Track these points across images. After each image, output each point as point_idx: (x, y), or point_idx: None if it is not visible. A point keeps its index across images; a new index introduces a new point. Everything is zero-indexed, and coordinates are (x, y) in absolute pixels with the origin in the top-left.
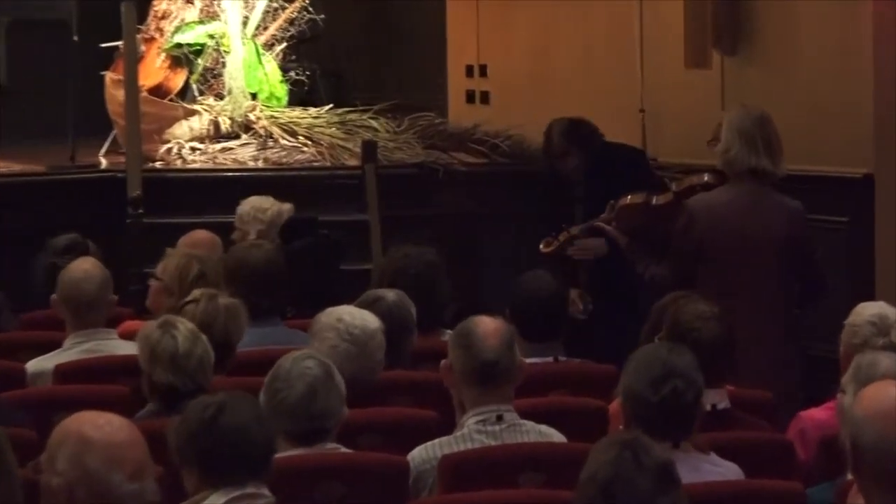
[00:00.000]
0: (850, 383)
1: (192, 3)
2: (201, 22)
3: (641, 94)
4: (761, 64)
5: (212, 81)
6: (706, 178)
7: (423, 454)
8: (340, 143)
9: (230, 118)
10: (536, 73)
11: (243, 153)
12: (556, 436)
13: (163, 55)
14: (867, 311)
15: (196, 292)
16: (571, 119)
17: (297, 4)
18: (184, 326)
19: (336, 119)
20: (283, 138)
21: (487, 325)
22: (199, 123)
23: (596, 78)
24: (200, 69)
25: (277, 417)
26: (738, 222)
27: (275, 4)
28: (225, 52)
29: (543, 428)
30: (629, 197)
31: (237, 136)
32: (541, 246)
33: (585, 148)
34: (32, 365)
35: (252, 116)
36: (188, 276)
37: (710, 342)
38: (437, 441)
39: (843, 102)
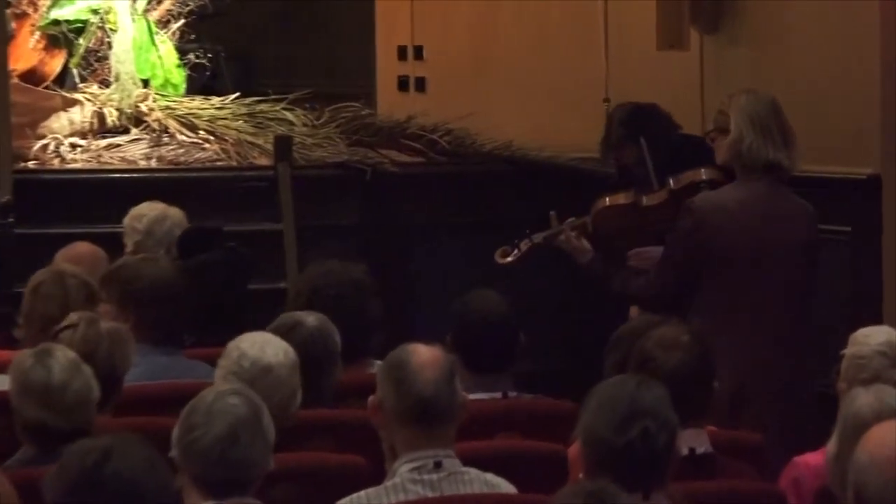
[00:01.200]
0: (837, 426)
1: None
2: None
3: (606, 80)
4: (748, 44)
5: (95, 66)
6: (705, 175)
7: None
8: (249, 138)
9: (117, 109)
10: (482, 55)
11: (133, 151)
12: (505, 486)
13: (37, 34)
14: (874, 338)
15: (73, 316)
16: (638, 105)
17: None
18: (63, 355)
19: (243, 110)
20: (181, 133)
21: (424, 355)
22: (80, 115)
23: (552, 61)
24: (82, 51)
25: (188, 460)
26: (756, 225)
27: None
28: (111, 30)
29: (490, 477)
30: (608, 198)
31: (126, 131)
32: (496, 255)
33: (652, 139)
34: None
35: (143, 107)
36: (63, 298)
37: (673, 374)
38: (364, 492)
39: (845, 89)
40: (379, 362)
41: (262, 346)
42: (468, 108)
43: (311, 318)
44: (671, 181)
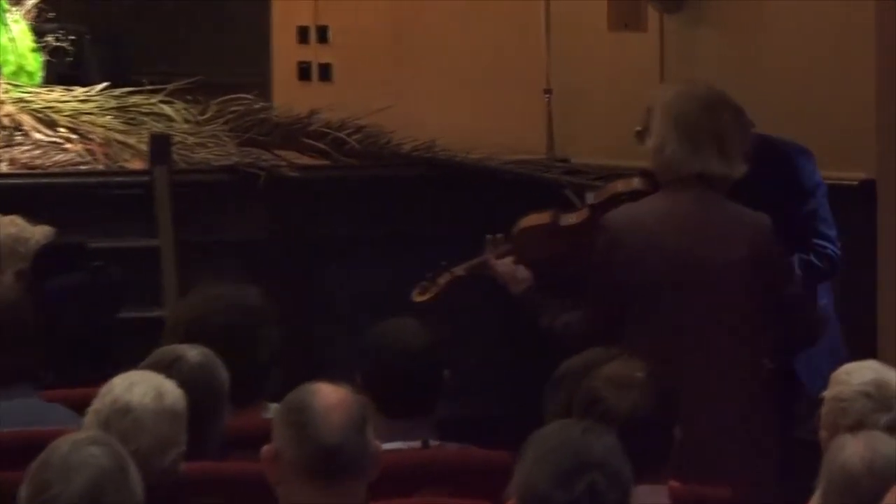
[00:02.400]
0: (821, 480)
1: None
2: None
3: (547, 68)
4: (717, 25)
5: None
6: (636, 184)
7: None
8: (119, 137)
9: None
10: (398, 37)
11: None
12: None
13: None
14: (856, 376)
15: None
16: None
17: None
18: None
19: (113, 104)
20: (37, 131)
21: (329, 397)
22: None
23: (483, 45)
24: None
25: None
26: (678, 243)
27: None
28: None
29: None
30: (529, 217)
31: None
32: (413, 294)
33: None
34: None
35: None
36: None
37: (626, 418)
38: None
39: (834, 78)
40: (275, 405)
41: (131, 384)
42: (382, 100)
43: (193, 353)
44: (590, 195)
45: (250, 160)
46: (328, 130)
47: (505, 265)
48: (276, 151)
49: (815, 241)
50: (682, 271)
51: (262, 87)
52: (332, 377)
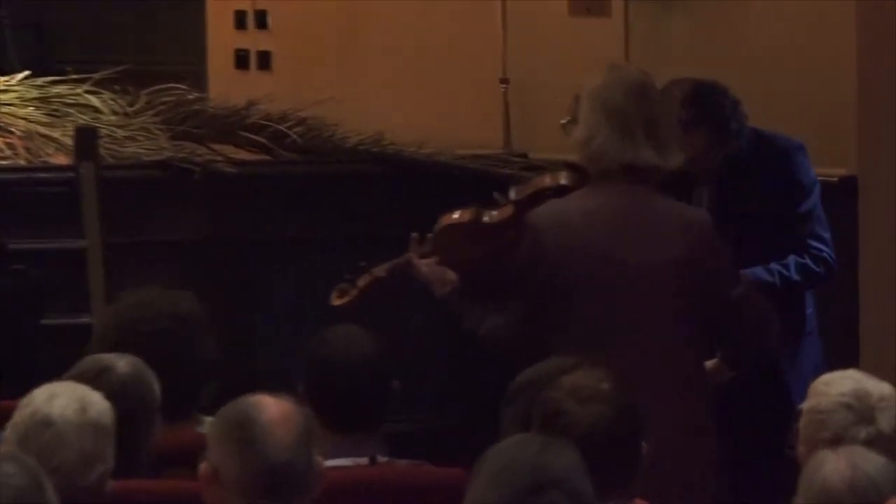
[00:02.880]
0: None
1: None
2: None
3: (504, 55)
4: (689, 11)
5: None
6: (562, 179)
7: None
8: (41, 130)
9: None
10: (344, 23)
11: None
12: None
13: None
14: (835, 387)
15: None
16: (698, 83)
17: None
18: None
19: (34, 94)
20: None
21: (274, 410)
22: None
23: (436, 30)
24: None
25: None
26: (606, 242)
27: None
28: None
29: None
30: (453, 215)
31: None
32: (333, 297)
33: (718, 132)
34: None
35: None
36: None
37: (589, 432)
38: None
39: (815, 68)
40: (211, 419)
41: (52, 395)
42: (326, 91)
43: (121, 363)
44: (512, 190)
45: (184, 155)
46: (268, 123)
47: (427, 266)
48: (212, 145)
49: (812, 242)
50: (611, 272)
51: (197, 76)
52: (273, 388)
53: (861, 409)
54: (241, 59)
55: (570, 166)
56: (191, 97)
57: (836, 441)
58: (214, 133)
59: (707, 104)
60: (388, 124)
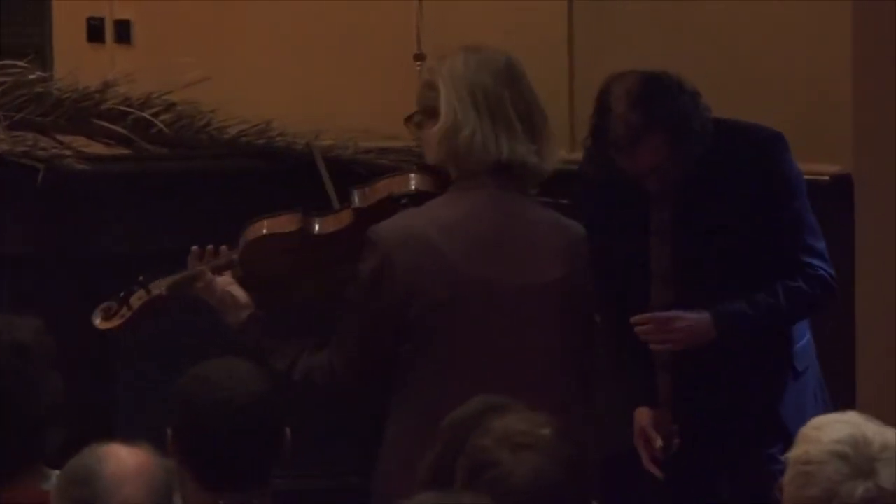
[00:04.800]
0: None
1: None
2: None
3: (418, 28)
4: None
5: None
6: (416, 184)
7: None
8: None
9: None
10: None
11: None
12: None
13: None
14: (829, 432)
15: None
16: (646, 76)
17: None
18: None
19: None
20: None
21: (122, 464)
22: None
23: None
24: None
25: None
26: (471, 263)
27: None
28: None
29: None
30: (266, 222)
31: None
32: (95, 319)
33: (677, 137)
34: None
35: None
36: None
37: (524, 488)
38: None
39: (804, 53)
40: (57, 473)
41: None
42: (201, 69)
43: None
44: (356, 195)
45: (24, 148)
46: (128, 109)
47: (223, 284)
48: (60, 137)
49: (804, 258)
50: (476, 299)
51: (40, 50)
52: (131, 437)
53: (858, 461)
54: (95, 30)
55: (423, 168)
56: (33, 77)
57: (827, 499)
58: (62, 121)
59: (659, 102)
60: (276, 110)
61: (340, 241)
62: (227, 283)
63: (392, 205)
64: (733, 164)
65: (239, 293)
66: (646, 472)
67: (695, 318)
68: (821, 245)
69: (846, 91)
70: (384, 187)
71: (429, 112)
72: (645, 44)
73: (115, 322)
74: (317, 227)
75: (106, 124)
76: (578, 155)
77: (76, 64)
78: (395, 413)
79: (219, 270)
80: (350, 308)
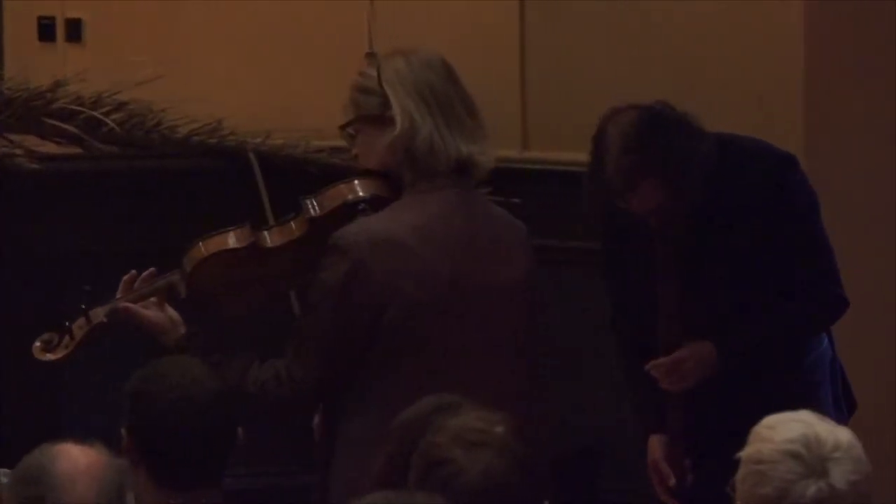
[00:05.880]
0: None
1: None
2: None
3: (370, 24)
4: None
5: None
6: (371, 189)
7: None
8: None
9: None
10: None
11: None
12: None
13: None
14: (781, 431)
15: None
16: (644, 114)
17: None
18: None
19: None
20: None
21: (74, 462)
22: None
23: None
24: None
25: None
26: (449, 263)
27: None
28: None
29: None
30: (221, 241)
31: None
32: (36, 349)
33: (675, 179)
34: None
35: None
36: None
37: (476, 487)
38: None
39: (756, 53)
40: (5, 472)
41: None
42: (152, 68)
43: None
44: (311, 204)
45: None
46: (79, 108)
47: (151, 307)
48: (10, 136)
49: (815, 280)
50: (456, 298)
51: None
52: (83, 436)
53: (811, 460)
54: (46, 29)
55: (368, 173)
56: None
57: (780, 498)
58: (13, 120)
59: (654, 146)
60: (228, 109)
61: (294, 251)
62: (157, 304)
63: (349, 211)
64: (741, 191)
65: (168, 315)
66: None
67: (699, 353)
68: (832, 263)
69: (798, 89)
70: (336, 195)
71: (370, 119)
72: (597, 43)
73: (60, 353)
74: (269, 241)
75: (57, 123)
76: (530, 154)
77: (27, 63)
78: (354, 415)
79: (156, 292)
80: (314, 316)
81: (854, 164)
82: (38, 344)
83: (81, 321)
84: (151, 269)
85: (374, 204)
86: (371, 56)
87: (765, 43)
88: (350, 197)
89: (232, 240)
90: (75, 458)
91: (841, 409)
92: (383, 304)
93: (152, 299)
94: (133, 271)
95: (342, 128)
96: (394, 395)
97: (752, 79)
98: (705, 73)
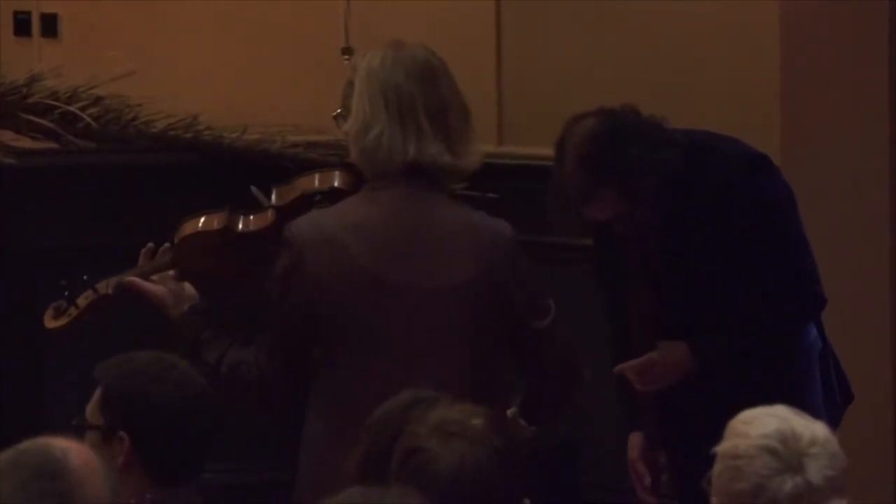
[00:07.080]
0: None
1: None
2: None
3: (346, 20)
4: None
5: None
6: (334, 181)
7: None
8: None
9: None
10: None
11: None
12: None
13: None
14: (757, 426)
15: None
16: (601, 122)
17: None
18: None
19: None
20: None
21: (84, 456)
22: None
23: None
24: None
25: None
26: (378, 263)
27: None
28: None
29: None
30: (199, 220)
31: None
32: (46, 319)
33: (634, 183)
34: None
35: None
36: None
37: (451, 477)
38: None
39: (732, 51)
40: None
41: None
42: (128, 63)
43: None
44: (274, 193)
45: None
46: (55, 103)
47: (159, 282)
48: None
49: (790, 279)
50: (383, 299)
51: None
52: (63, 430)
53: (787, 455)
54: (22, 24)
55: (347, 165)
56: None
57: (756, 493)
58: None
59: (608, 157)
60: (204, 104)
61: (265, 239)
62: (163, 279)
63: (306, 202)
64: (711, 193)
65: (172, 290)
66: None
67: (672, 354)
68: (808, 261)
69: (774, 89)
70: (300, 185)
71: (348, 109)
72: (572, 40)
73: (63, 321)
74: (240, 226)
75: (33, 118)
76: (506, 150)
77: (2, 58)
78: (309, 413)
79: (159, 268)
80: (271, 305)
81: (831, 162)
82: (49, 311)
83: (88, 292)
84: (166, 244)
85: (331, 197)
86: (347, 51)
87: (740, 42)
88: (308, 188)
89: (207, 222)
90: (82, 454)
91: (834, 401)
92: (316, 298)
93: (170, 273)
94: (150, 244)
95: (335, 116)
96: (337, 392)
97: (727, 78)
98: (681, 70)
